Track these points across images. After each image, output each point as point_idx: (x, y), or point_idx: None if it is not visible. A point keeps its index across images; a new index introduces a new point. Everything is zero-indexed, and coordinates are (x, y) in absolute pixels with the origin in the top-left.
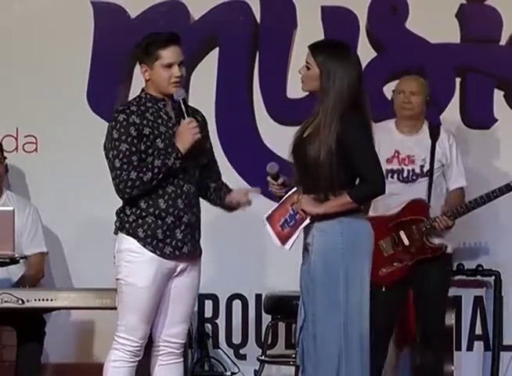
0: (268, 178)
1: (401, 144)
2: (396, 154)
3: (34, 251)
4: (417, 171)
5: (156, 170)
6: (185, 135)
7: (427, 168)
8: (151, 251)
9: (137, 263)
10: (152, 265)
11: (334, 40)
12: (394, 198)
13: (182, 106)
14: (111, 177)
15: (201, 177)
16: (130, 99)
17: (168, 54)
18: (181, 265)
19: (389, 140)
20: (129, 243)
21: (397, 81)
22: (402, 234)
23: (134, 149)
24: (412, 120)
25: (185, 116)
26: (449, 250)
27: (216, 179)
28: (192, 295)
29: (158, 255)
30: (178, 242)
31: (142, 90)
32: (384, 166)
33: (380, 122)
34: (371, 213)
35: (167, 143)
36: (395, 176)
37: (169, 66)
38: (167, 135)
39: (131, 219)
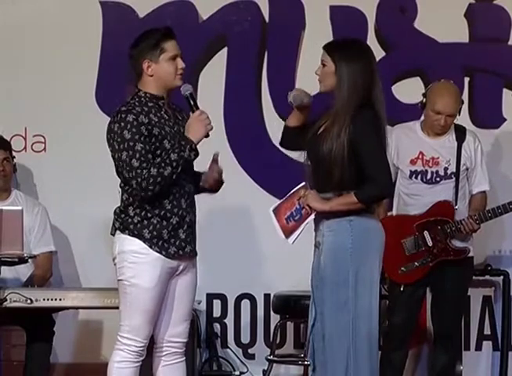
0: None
1: (426, 146)
2: (421, 156)
3: (42, 251)
4: (441, 173)
5: (174, 164)
6: (198, 127)
7: (451, 170)
8: (157, 251)
9: (141, 264)
10: (157, 266)
11: (348, 38)
12: (416, 199)
13: (191, 101)
14: (129, 177)
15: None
16: None
17: (171, 47)
18: (182, 265)
19: (414, 141)
20: (133, 244)
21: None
22: (426, 234)
23: (148, 147)
24: None
25: (194, 109)
26: (471, 254)
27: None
28: (192, 294)
29: (164, 256)
30: (181, 242)
31: (139, 89)
32: (408, 167)
33: (406, 123)
34: (394, 212)
35: (172, 143)
36: (419, 177)
37: (173, 58)
38: (171, 135)
39: (135, 220)
